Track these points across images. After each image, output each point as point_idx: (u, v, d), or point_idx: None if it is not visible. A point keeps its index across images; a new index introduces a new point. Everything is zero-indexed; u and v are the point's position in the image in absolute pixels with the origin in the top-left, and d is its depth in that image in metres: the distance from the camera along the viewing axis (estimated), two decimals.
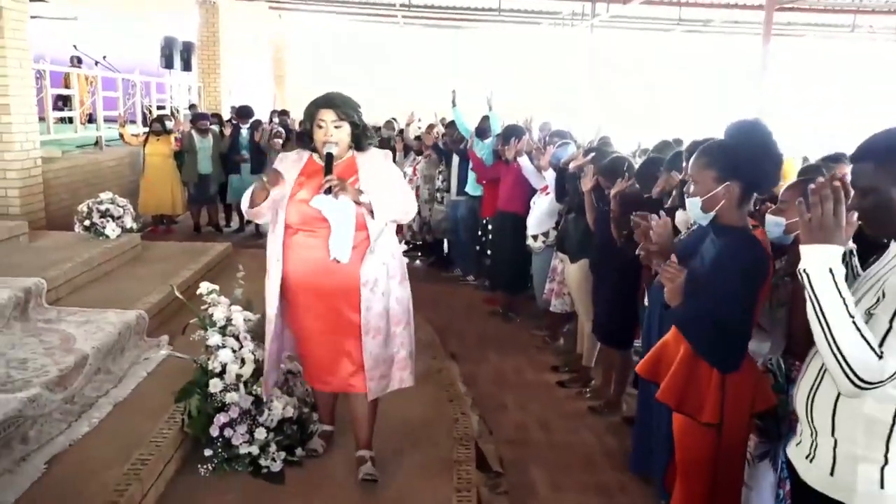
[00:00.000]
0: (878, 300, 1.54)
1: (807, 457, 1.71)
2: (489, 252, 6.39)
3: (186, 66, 12.88)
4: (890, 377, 1.46)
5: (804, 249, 1.54)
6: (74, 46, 10.31)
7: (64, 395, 3.12)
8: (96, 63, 10.07)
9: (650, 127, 11.08)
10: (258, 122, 9.29)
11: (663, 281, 2.26)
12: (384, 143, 7.30)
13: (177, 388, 3.24)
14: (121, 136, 8.98)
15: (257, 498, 2.86)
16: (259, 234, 8.96)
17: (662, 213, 2.45)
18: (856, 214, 1.60)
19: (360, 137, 2.87)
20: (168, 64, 12.45)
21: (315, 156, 2.88)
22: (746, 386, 1.98)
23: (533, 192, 5.57)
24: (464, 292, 6.90)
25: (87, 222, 5.19)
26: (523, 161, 5.55)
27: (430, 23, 16.88)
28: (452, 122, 7.17)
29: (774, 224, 2.22)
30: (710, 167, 2.02)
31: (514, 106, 9.24)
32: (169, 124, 8.72)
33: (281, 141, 8.68)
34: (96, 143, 9.05)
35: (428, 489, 2.95)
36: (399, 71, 16.49)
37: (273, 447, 3.00)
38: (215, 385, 2.96)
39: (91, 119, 9.31)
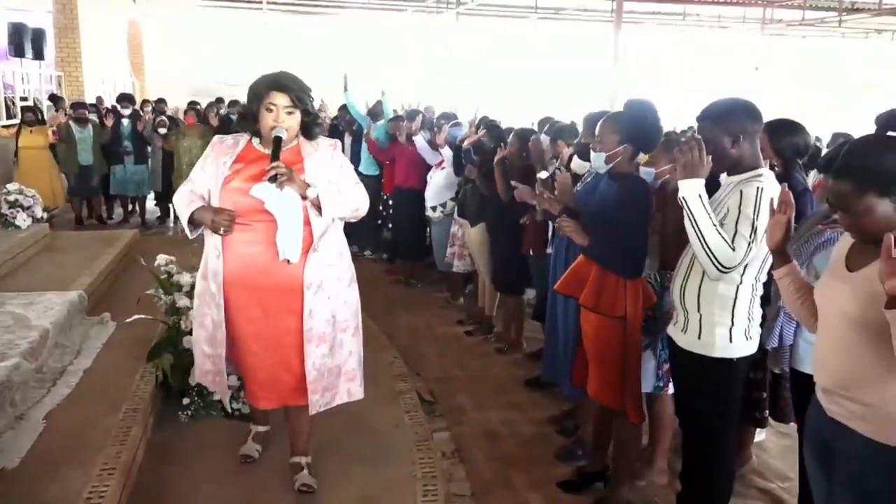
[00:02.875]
0: (724, 214, 2.29)
1: (681, 330, 2.46)
2: (390, 226, 6.94)
3: (38, 55, 12.27)
4: (740, 262, 2.21)
5: (681, 183, 2.26)
6: None
7: (35, 366, 3.37)
8: None
9: (516, 108, 12.07)
10: (137, 113, 9.23)
11: (564, 233, 2.94)
12: None
13: (137, 354, 3.60)
14: None
15: (235, 437, 3.25)
16: (146, 226, 8.93)
17: (560, 172, 3.15)
18: (710, 157, 2.33)
19: (311, 126, 2.64)
20: (18, 52, 11.82)
21: (255, 140, 2.63)
22: (638, 286, 2.72)
23: (428, 168, 6.18)
24: (364, 266, 7.38)
25: None
26: (418, 140, 6.15)
27: (297, 9, 16.98)
28: (344, 105, 7.63)
29: (646, 172, 2.99)
30: (614, 132, 2.75)
31: (394, 91, 9.79)
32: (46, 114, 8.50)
33: (166, 130, 8.72)
34: None
35: (383, 413, 3.52)
36: (273, 58, 16.46)
37: (242, 392, 3.41)
38: (189, 341, 3.32)
39: None
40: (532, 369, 4.51)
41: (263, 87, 2.54)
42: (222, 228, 2.52)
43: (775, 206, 1.94)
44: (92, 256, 5.17)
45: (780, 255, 1.95)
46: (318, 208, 2.53)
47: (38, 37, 11.92)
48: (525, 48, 18.39)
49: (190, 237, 2.71)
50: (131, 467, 2.80)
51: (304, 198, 2.51)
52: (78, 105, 8.87)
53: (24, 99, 10.76)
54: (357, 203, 2.70)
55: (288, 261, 2.53)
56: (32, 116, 8.33)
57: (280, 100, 2.52)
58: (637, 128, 2.73)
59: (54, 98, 10.65)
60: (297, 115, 2.57)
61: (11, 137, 8.43)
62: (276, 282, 2.57)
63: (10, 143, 8.43)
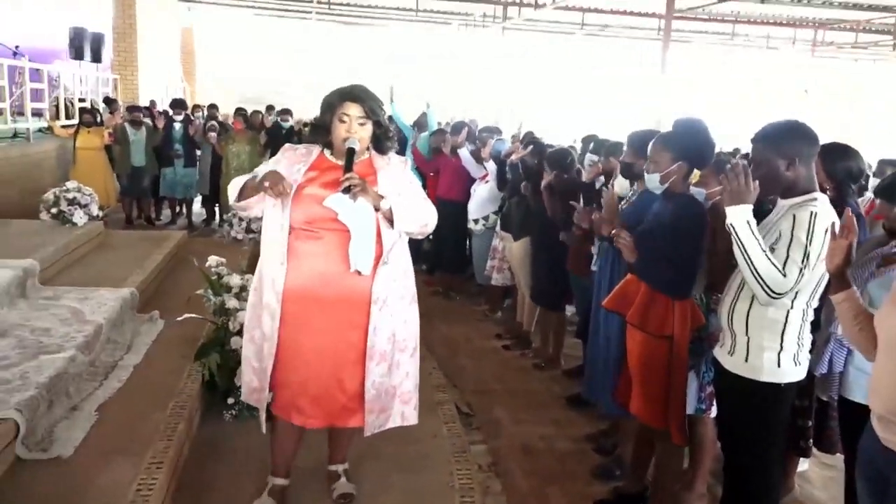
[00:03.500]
0: (776, 239, 2.28)
1: (729, 353, 2.44)
2: (431, 237, 6.99)
3: (96, 58, 12.70)
4: (791, 288, 2.19)
5: (729, 210, 2.25)
6: None
7: (89, 359, 3.48)
8: (14, 54, 9.85)
9: (561, 124, 12.07)
10: (189, 117, 9.49)
11: (618, 246, 2.93)
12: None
13: (185, 353, 3.69)
14: (49, 128, 8.91)
15: None
16: (192, 227, 9.13)
17: (606, 190, 3.16)
18: (757, 182, 2.32)
19: (382, 139, 2.64)
20: (78, 55, 12.25)
21: (327, 152, 2.63)
22: (687, 307, 2.71)
23: (472, 181, 6.22)
24: None
25: (54, 210, 5.39)
26: (463, 153, 6.20)
27: (344, 20, 17.26)
28: (390, 117, 7.72)
29: (698, 193, 2.98)
30: (666, 151, 2.75)
31: (438, 103, 9.89)
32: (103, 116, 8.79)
33: (216, 134, 8.93)
34: (14, 136, 8.92)
35: (421, 422, 3.47)
36: (320, 68, 16.73)
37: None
38: (237, 342, 3.40)
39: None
40: (570, 386, 4.50)
41: (337, 98, 2.56)
42: (272, 190, 2.43)
43: (836, 230, 1.92)
44: (142, 256, 5.31)
45: (840, 279, 1.92)
46: (390, 221, 2.51)
47: (97, 41, 12.36)
48: (571, 64, 18.39)
49: (232, 207, 2.66)
50: (177, 462, 2.88)
51: (376, 209, 2.50)
52: (133, 108, 9.14)
53: (81, 101, 11.13)
54: (427, 218, 2.65)
55: (359, 272, 2.50)
56: (90, 118, 8.62)
57: (353, 110, 2.53)
58: (689, 145, 2.74)
59: (108, 101, 11.00)
60: (370, 127, 2.57)
61: (70, 138, 8.71)
62: (343, 294, 2.53)
63: (69, 143, 8.72)
